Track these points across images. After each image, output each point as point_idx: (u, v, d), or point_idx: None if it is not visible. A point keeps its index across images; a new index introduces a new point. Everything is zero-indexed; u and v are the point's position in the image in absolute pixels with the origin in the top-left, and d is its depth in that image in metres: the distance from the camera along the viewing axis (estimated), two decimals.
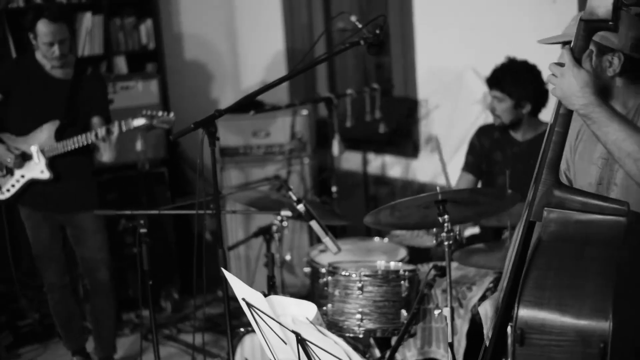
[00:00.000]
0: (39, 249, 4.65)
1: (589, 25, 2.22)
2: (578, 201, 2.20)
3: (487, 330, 2.55)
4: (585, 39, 2.24)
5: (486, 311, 2.58)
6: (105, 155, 4.40)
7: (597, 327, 2.03)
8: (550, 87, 2.31)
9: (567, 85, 2.23)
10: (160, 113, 4.37)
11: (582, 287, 2.09)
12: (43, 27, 4.29)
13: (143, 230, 3.69)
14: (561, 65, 2.26)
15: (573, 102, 2.23)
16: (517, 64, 4.13)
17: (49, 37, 4.30)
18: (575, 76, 2.22)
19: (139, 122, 4.31)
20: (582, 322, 2.05)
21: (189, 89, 6.45)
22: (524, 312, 2.12)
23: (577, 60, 2.24)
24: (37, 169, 4.45)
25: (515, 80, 4.07)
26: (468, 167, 4.44)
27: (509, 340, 3.37)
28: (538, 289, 2.13)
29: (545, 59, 4.39)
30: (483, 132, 4.40)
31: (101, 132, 4.31)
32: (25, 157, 4.46)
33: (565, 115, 2.27)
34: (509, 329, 2.64)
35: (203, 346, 4.32)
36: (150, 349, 3.97)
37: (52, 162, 4.45)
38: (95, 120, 4.52)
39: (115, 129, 4.30)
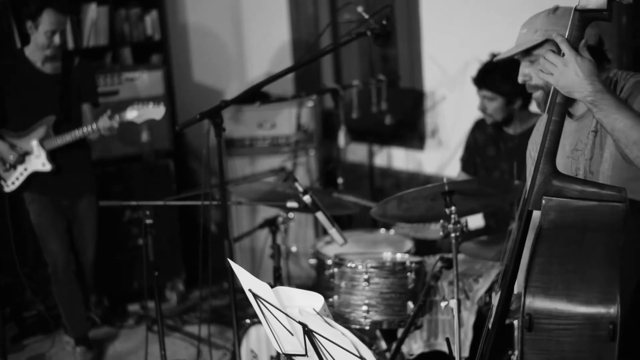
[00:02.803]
0: (43, 228, 4.76)
1: (583, 15, 2.25)
2: (576, 189, 2.21)
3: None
4: (580, 29, 2.27)
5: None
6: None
7: (606, 311, 2.06)
8: (548, 77, 2.31)
9: (573, 74, 2.24)
10: (150, 105, 4.47)
11: (587, 272, 2.12)
12: (49, 16, 4.44)
13: (149, 222, 3.68)
14: (557, 54, 2.28)
15: (580, 91, 2.24)
16: (501, 60, 4.11)
17: (54, 25, 4.46)
18: (580, 65, 2.23)
19: (132, 114, 4.45)
20: (591, 307, 2.07)
21: (194, 80, 6.45)
22: (531, 298, 2.14)
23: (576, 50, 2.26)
24: (39, 162, 4.61)
25: (504, 77, 4.04)
26: (463, 166, 4.47)
27: (516, 332, 3.36)
28: (544, 275, 2.15)
29: None
30: (478, 127, 4.40)
31: (94, 126, 4.46)
32: (26, 153, 4.62)
33: (561, 105, 2.29)
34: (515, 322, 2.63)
35: (209, 337, 4.32)
36: (156, 340, 3.96)
37: (53, 155, 4.61)
38: (85, 107, 4.75)
39: (115, 124, 4.46)
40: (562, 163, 2.52)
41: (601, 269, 2.11)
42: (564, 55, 2.26)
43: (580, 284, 2.10)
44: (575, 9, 2.25)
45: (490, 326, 2.45)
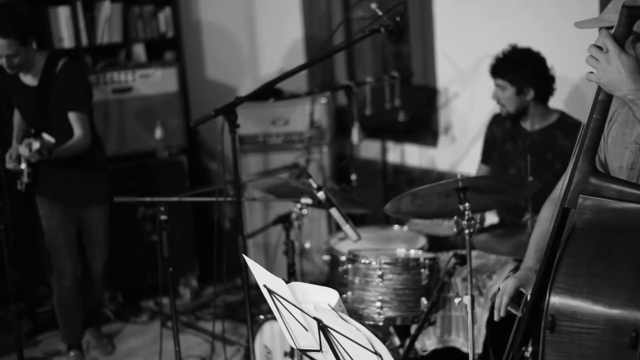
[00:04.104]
0: (52, 234, 4.69)
1: (632, 12, 2.18)
2: (614, 189, 2.16)
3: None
4: (627, 25, 2.19)
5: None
6: None
7: (630, 316, 2.01)
8: (590, 76, 2.24)
9: (616, 71, 2.17)
10: (46, 137, 4.17)
11: (615, 276, 2.07)
12: None
13: (163, 217, 3.69)
14: (601, 50, 2.21)
15: (621, 88, 2.18)
16: (518, 51, 4.13)
17: None
18: (623, 62, 2.17)
19: (36, 145, 4.12)
20: (614, 311, 2.03)
21: (207, 77, 6.46)
22: (556, 299, 2.11)
23: (621, 47, 2.19)
24: (25, 174, 4.38)
25: (515, 66, 4.06)
26: (484, 158, 4.46)
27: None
28: (571, 277, 2.11)
29: (563, 45, 4.38)
30: (495, 121, 4.40)
31: (25, 150, 4.14)
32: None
33: (604, 102, 2.23)
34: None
35: (223, 333, 4.34)
36: (170, 336, 3.98)
37: (35, 167, 4.38)
38: (71, 115, 4.48)
39: (26, 152, 4.14)
40: (619, 152, 2.47)
41: (630, 274, 2.06)
42: (607, 51, 2.20)
43: (606, 288, 2.06)
44: (624, 5, 2.17)
45: (519, 320, 2.44)
